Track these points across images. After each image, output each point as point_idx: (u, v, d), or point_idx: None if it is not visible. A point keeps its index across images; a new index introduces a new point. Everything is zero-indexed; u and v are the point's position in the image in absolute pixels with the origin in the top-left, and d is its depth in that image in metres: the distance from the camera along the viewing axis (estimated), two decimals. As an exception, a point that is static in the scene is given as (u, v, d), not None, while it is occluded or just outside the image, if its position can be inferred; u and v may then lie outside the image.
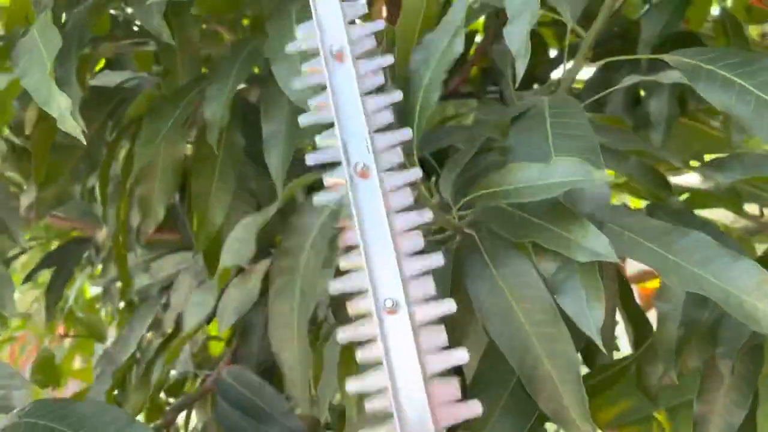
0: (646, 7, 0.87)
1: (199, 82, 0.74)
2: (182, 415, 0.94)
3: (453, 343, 0.42)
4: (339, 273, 0.45)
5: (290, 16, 0.64)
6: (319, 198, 0.48)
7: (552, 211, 0.49)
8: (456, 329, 0.58)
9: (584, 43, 0.63)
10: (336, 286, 0.45)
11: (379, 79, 0.50)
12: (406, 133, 0.48)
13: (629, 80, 0.63)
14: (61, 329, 1.45)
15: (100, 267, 1.24)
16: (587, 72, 0.94)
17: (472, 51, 1.03)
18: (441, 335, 0.43)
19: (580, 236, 0.47)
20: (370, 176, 0.46)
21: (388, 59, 0.50)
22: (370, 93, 0.50)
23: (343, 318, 0.45)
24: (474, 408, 0.41)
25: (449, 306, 0.43)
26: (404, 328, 0.42)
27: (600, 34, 0.62)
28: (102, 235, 1.09)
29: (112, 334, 1.43)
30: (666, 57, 0.56)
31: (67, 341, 1.47)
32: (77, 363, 1.54)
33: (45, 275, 1.18)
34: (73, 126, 0.58)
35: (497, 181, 0.50)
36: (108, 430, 0.55)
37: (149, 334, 1.03)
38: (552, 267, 0.49)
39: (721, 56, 0.52)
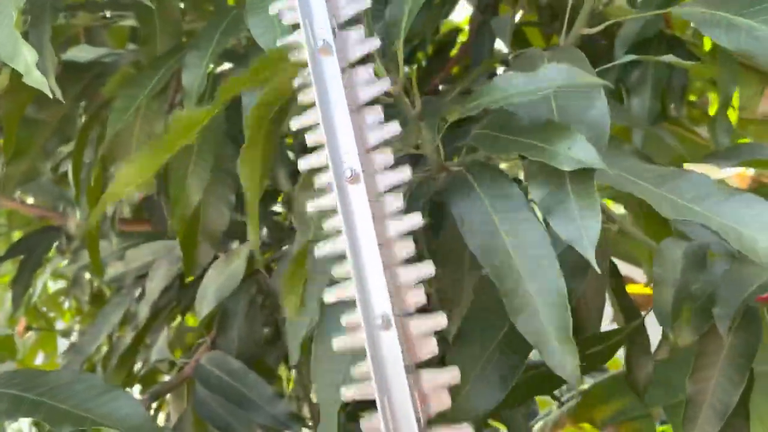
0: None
1: (178, 51, 0.70)
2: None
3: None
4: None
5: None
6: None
7: (541, 128, 0.47)
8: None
9: (566, 42, 0.61)
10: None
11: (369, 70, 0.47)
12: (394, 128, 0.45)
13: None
14: (22, 324, 1.39)
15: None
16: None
17: (454, 51, 1.02)
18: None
19: (566, 146, 0.45)
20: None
21: (375, 42, 0.47)
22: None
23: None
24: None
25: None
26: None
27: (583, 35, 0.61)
28: (73, 222, 1.05)
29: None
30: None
31: (29, 336, 1.41)
32: (39, 359, 1.48)
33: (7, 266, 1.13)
34: (38, 80, 0.54)
35: (485, 92, 0.48)
36: (83, 398, 0.52)
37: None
38: (543, 191, 0.47)
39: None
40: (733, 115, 0.94)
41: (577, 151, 0.44)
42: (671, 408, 1.14)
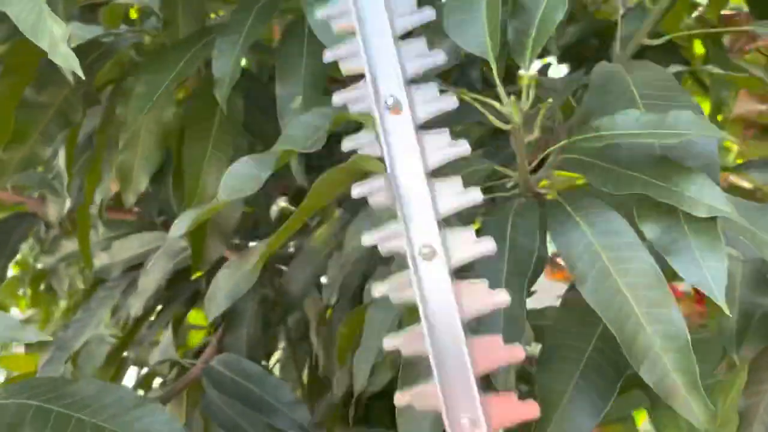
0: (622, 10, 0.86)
1: (205, 35, 0.66)
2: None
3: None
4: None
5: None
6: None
7: (658, 165, 0.45)
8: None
9: (623, 53, 0.60)
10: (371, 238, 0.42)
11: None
12: (440, 56, 0.44)
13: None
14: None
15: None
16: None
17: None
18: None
19: (695, 190, 0.43)
20: (402, 112, 0.42)
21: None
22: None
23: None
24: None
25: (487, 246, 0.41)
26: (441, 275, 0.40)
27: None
28: (54, 210, 0.98)
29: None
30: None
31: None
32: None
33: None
34: (67, 57, 0.48)
35: (601, 126, 0.45)
36: (114, 412, 0.48)
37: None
38: (656, 229, 0.45)
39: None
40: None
41: (710, 198, 0.42)
42: (653, 410, 1.17)
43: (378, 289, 0.42)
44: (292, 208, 0.88)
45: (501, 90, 0.48)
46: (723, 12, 0.95)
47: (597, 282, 0.45)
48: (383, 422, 0.86)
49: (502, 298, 0.41)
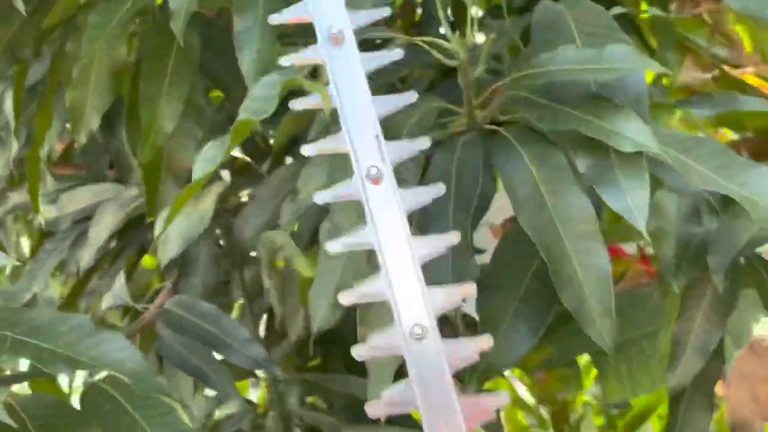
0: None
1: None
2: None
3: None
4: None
5: None
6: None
7: (592, 102, 0.48)
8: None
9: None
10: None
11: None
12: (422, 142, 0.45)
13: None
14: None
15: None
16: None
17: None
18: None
19: (623, 126, 0.46)
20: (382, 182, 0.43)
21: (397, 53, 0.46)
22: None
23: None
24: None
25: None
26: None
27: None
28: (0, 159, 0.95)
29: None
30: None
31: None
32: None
33: None
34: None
35: (540, 62, 0.47)
36: (71, 339, 0.47)
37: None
38: (587, 162, 0.47)
39: None
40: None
41: (635, 134, 0.45)
42: (597, 355, 1.21)
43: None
44: (247, 158, 0.88)
45: (446, 25, 0.49)
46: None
47: (533, 211, 0.48)
48: (339, 367, 0.87)
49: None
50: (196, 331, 0.69)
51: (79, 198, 0.92)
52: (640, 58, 0.46)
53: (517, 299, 0.52)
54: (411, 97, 0.45)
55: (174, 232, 0.74)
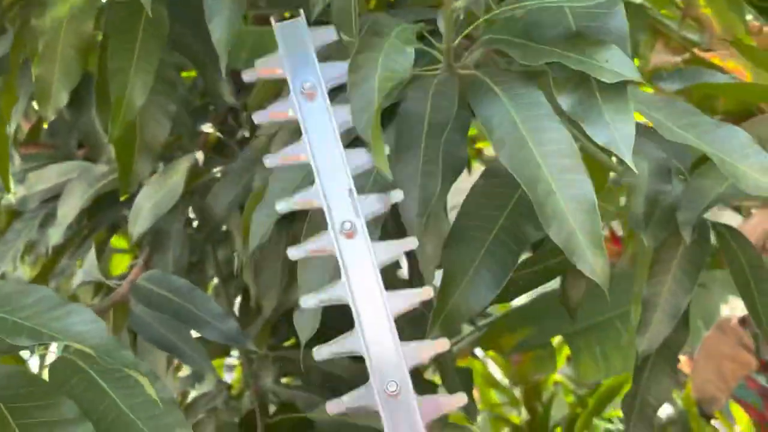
0: None
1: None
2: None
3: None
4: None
5: None
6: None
7: (573, 39, 0.48)
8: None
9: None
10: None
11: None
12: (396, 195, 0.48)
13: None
14: None
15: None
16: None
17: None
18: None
19: (604, 58, 0.46)
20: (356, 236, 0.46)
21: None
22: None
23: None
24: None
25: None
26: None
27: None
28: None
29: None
30: None
31: None
32: None
33: None
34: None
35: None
36: (36, 311, 0.47)
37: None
38: (571, 99, 0.48)
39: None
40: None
41: (616, 64, 0.45)
42: (570, 336, 1.23)
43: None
44: (219, 134, 0.87)
45: None
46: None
47: (513, 150, 0.48)
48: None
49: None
50: (170, 306, 0.68)
51: (47, 176, 0.90)
52: None
53: (482, 250, 0.53)
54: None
55: (145, 206, 0.73)
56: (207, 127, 0.88)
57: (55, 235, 0.84)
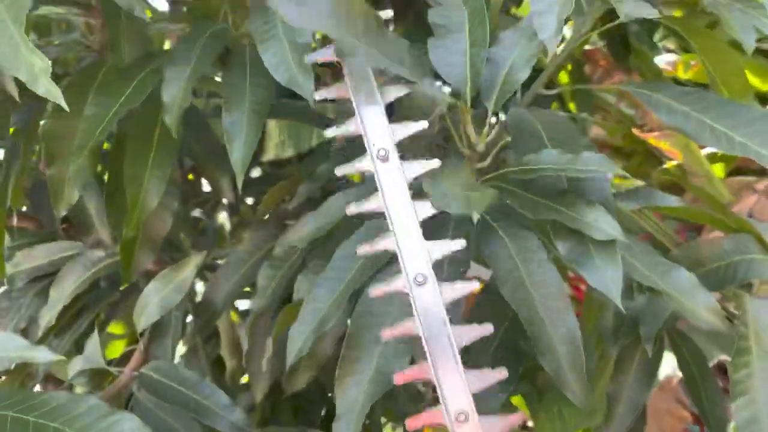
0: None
1: (152, 59, 0.70)
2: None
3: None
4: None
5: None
6: None
7: (563, 196, 0.58)
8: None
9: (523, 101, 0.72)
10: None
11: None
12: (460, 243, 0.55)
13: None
14: None
15: None
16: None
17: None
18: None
19: (595, 218, 0.56)
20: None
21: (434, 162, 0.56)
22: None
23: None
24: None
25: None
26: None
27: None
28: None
29: None
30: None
31: None
32: None
33: None
34: (50, 89, 0.52)
35: (530, 161, 0.58)
36: (87, 422, 0.51)
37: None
38: (567, 246, 0.57)
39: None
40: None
41: (604, 224, 0.55)
42: (529, 394, 1.31)
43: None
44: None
45: (470, 123, 0.62)
46: (585, 47, 1.11)
47: (514, 288, 0.58)
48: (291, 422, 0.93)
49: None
50: (177, 397, 0.72)
51: (34, 256, 0.92)
52: (610, 164, 0.57)
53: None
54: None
55: (152, 300, 0.78)
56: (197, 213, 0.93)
57: (47, 316, 0.87)
